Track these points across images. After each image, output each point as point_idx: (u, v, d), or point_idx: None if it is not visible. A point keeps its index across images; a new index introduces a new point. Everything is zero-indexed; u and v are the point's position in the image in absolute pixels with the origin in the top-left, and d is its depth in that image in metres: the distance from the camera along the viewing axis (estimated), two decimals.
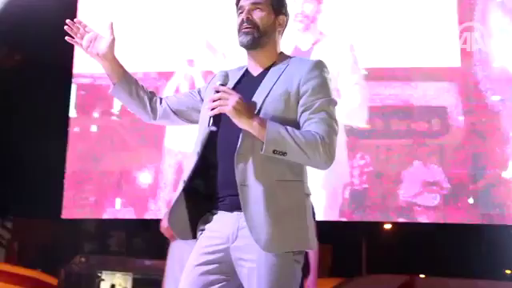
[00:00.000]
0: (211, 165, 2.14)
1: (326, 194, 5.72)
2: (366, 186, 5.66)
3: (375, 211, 5.69)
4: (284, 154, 2.01)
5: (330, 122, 2.08)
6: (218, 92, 2.06)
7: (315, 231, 2.17)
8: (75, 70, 6.23)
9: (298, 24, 6.06)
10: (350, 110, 5.83)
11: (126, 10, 6.35)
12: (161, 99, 2.38)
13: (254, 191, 2.03)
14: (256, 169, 2.04)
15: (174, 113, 2.36)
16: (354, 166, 5.73)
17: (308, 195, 2.15)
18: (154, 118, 2.37)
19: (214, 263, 2.10)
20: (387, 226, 11.35)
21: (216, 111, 2.04)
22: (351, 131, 5.77)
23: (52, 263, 6.55)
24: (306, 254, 4.21)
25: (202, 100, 2.32)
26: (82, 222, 6.49)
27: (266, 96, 2.10)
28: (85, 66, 6.17)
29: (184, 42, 6.20)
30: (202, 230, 2.18)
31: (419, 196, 5.56)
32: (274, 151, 2.00)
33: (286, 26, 2.28)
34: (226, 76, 2.14)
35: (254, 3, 2.19)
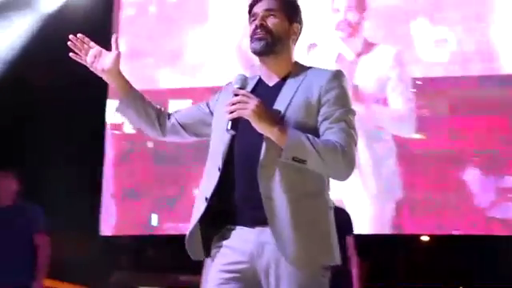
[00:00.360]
0: (229, 178, 2.06)
1: (376, 207, 5.61)
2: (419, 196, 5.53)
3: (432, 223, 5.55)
4: (304, 161, 1.95)
5: (350, 131, 2.04)
6: (236, 95, 1.99)
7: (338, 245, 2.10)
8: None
9: (340, 33, 6.00)
10: (398, 119, 5.73)
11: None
12: (169, 115, 2.31)
13: (279, 205, 1.97)
14: (281, 181, 1.98)
15: (183, 127, 2.29)
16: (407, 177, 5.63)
17: (331, 208, 2.09)
18: (164, 135, 2.30)
19: (235, 281, 2.02)
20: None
21: (235, 114, 1.96)
22: (399, 140, 5.66)
23: (89, 279, 6.57)
24: (349, 271, 4.20)
25: (211, 113, 2.26)
26: (120, 238, 6.49)
27: (288, 105, 2.05)
28: None
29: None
30: (219, 246, 2.09)
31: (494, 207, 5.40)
32: (293, 158, 1.94)
33: (299, 34, 2.22)
34: (245, 79, 2.07)
35: (267, 9, 2.14)
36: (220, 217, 2.08)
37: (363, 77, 5.85)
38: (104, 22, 6.49)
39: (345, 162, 2.00)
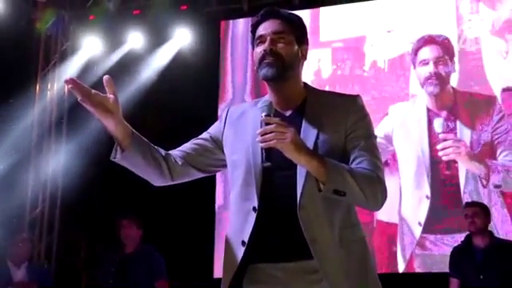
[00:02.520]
0: (266, 219, 1.91)
1: None
2: None
3: None
4: (344, 194, 1.82)
5: (380, 158, 1.95)
6: (267, 124, 1.81)
7: None
8: None
9: (430, 87, 6.00)
10: None
11: None
12: (174, 158, 2.07)
13: (324, 246, 1.85)
14: (322, 221, 1.87)
15: (192, 165, 2.08)
16: None
17: (365, 237, 2.00)
18: (173, 179, 2.07)
19: None
20: None
21: (273, 145, 1.78)
22: None
23: None
24: None
25: (217, 143, 2.09)
26: None
27: (317, 136, 1.93)
28: None
29: None
30: None
31: None
32: (334, 191, 1.81)
33: (307, 55, 2.06)
34: (271, 106, 1.90)
35: (276, 32, 1.97)
36: (259, 262, 1.93)
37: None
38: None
39: (381, 191, 1.90)
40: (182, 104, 6.43)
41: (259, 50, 1.98)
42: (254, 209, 1.91)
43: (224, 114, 2.13)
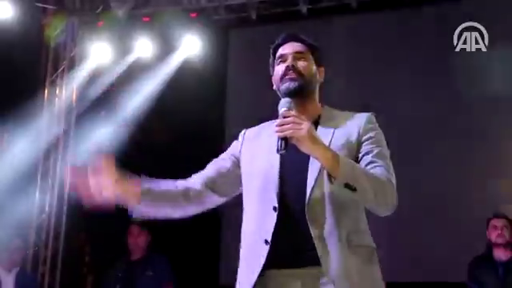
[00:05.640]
0: (284, 218, 2.00)
1: None
2: None
3: None
4: (354, 189, 1.89)
5: (391, 166, 2.04)
6: (285, 117, 1.93)
7: None
8: None
9: None
10: None
11: None
12: (193, 185, 2.17)
13: (330, 243, 1.94)
14: (330, 221, 1.95)
15: (211, 188, 2.18)
16: None
17: (375, 248, 2.05)
18: (201, 206, 2.20)
19: None
20: None
21: (289, 134, 1.89)
22: None
23: None
24: None
25: (234, 159, 2.20)
26: None
27: (330, 144, 2.02)
28: None
29: None
30: None
31: None
32: (346, 184, 1.89)
33: (323, 77, 2.23)
34: (290, 103, 2.02)
35: (297, 52, 2.15)
36: (280, 261, 1.99)
37: None
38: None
39: (391, 193, 1.99)
40: (188, 113, 6.45)
41: (281, 67, 2.14)
42: (274, 208, 2.00)
43: (241, 133, 2.27)
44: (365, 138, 2.06)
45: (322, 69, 2.22)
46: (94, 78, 6.87)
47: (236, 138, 2.30)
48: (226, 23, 7.08)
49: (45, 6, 6.93)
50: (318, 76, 2.19)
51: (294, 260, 1.98)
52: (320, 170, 1.98)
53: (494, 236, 4.54)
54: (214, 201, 2.23)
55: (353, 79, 6.45)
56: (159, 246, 5.09)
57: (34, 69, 6.98)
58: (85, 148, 6.39)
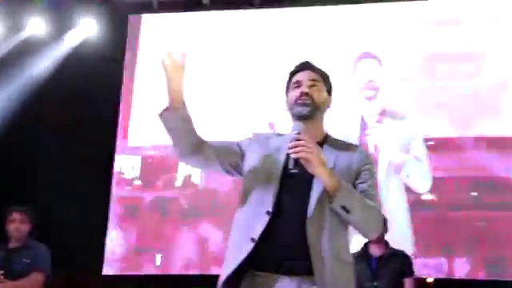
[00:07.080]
0: (276, 223, 2.17)
1: None
2: None
3: None
4: (348, 211, 2.14)
5: (377, 198, 2.32)
6: (298, 140, 2.15)
7: None
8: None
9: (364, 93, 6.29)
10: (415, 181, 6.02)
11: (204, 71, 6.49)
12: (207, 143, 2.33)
13: (323, 251, 2.13)
14: (326, 233, 2.16)
15: (216, 153, 2.32)
16: None
17: (353, 263, 2.30)
18: (196, 152, 2.29)
19: None
20: None
21: (301, 155, 2.12)
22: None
23: None
24: None
25: (242, 154, 2.35)
26: (122, 278, 6.53)
27: (332, 168, 2.22)
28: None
29: (265, 104, 6.31)
30: None
31: None
32: (342, 207, 2.13)
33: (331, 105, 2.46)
34: (302, 126, 2.25)
35: (312, 79, 2.36)
36: (261, 262, 2.16)
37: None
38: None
39: (379, 220, 2.29)
40: (81, 98, 6.30)
41: (295, 92, 2.34)
42: (267, 212, 2.18)
43: (253, 135, 2.44)
44: (363, 168, 2.30)
45: (331, 98, 2.42)
46: None
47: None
48: (126, 8, 6.97)
49: None
50: (326, 104, 2.39)
51: (281, 266, 2.14)
52: (324, 189, 2.17)
53: None
54: (211, 164, 2.34)
55: None
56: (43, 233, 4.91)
57: None
58: None
